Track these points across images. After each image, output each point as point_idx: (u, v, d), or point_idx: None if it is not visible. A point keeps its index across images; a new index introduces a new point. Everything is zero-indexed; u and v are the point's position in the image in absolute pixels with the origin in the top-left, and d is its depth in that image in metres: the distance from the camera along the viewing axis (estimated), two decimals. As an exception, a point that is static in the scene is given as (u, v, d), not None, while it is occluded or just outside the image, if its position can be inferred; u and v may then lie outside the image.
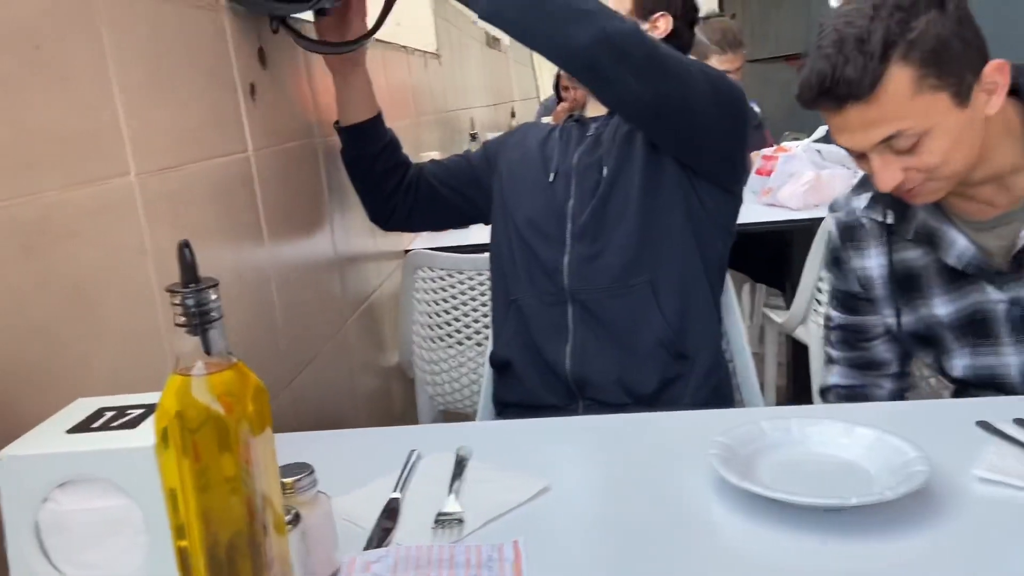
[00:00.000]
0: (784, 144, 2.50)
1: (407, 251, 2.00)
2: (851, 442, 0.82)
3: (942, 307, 1.12)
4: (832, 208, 1.24)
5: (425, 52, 2.68)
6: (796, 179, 2.30)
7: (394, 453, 0.92)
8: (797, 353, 2.64)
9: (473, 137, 3.24)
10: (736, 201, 1.38)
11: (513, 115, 5.31)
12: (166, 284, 0.54)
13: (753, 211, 2.37)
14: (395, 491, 0.83)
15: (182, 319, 0.53)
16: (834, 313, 1.27)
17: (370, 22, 1.40)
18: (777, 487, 0.74)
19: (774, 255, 2.73)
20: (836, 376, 1.29)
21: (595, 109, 1.41)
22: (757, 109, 3.30)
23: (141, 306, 0.88)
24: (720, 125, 1.26)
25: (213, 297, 0.54)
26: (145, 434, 0.58)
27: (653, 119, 1.24)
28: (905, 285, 1.15)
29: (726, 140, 1.29)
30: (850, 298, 1.23)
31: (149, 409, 0.62)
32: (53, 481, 0.58)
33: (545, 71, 6.88)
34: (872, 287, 1.19)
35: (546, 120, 2.73)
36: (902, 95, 0.93)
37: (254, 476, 0.56)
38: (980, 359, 1.12)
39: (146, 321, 0.88)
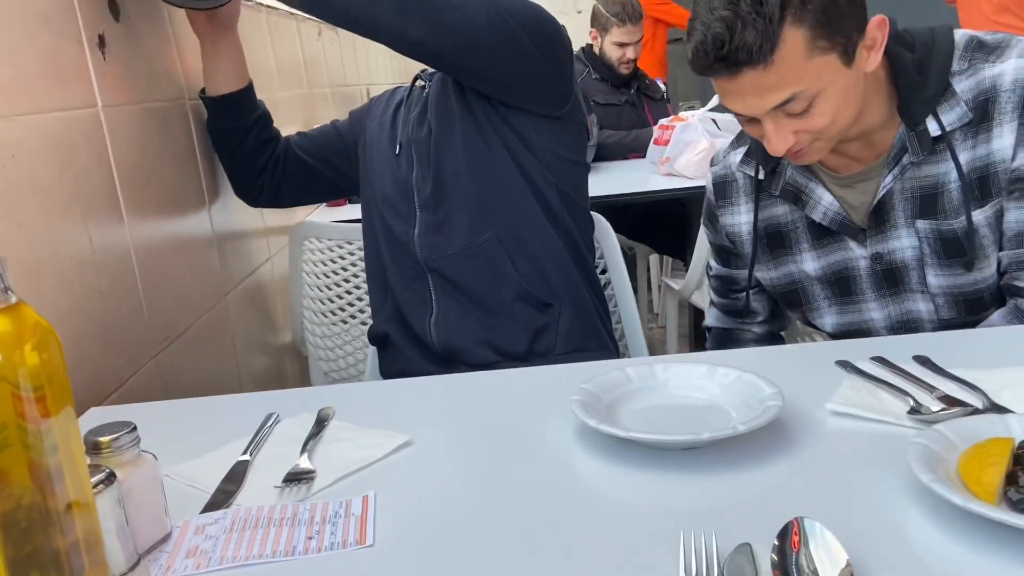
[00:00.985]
0: (680, 114, 2.52)
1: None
2: (712, 383, 0.81)
3: (810, 263, 1.14)
4: (712, 162, 1.24)
5: (319, 21, 2.59)
6: (692, 148, 2.32)
7: (254, 418, 0.88)
8: (698, 322, 2.69)
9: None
10: (573, 127, 1.32)
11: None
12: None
13: (652, 180, 2.39)
14: (244, 454, 0.79)
15: (-53, 254, 0.48)
16: (712, 262, 1.30)
17: None
18: (636, 430, 0.73)
19: (675, 226, 2.77)
20: (712, 319, 1.33)
21: None
22: (662, 86, 3.34)
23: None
24: (511, 52, 1.19)
25: (-17, 229, 0.48)
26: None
27: (439, 61, 1.20)
28: (774, 241, 1.17)
29: (525, 64, 1.21)
30: (722, 251, 1.26)
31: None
32: None
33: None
34: (740, 243, 1.20)
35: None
36: (797, 58, 0.92)
37: (42, 436, 0.51)
38: (847, 315, 1.14)
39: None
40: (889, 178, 1.03)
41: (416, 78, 1.38)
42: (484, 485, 0.72)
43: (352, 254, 1.79)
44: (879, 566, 0.54)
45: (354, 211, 2.30)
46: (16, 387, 0.48)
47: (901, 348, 0.88)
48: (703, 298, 2.26)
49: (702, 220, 1.27)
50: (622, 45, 3.00)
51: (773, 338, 1.30)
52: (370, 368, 1.48)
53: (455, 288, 1.27)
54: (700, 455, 0.71)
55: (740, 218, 1.19)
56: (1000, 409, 0.72)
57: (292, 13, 2.25)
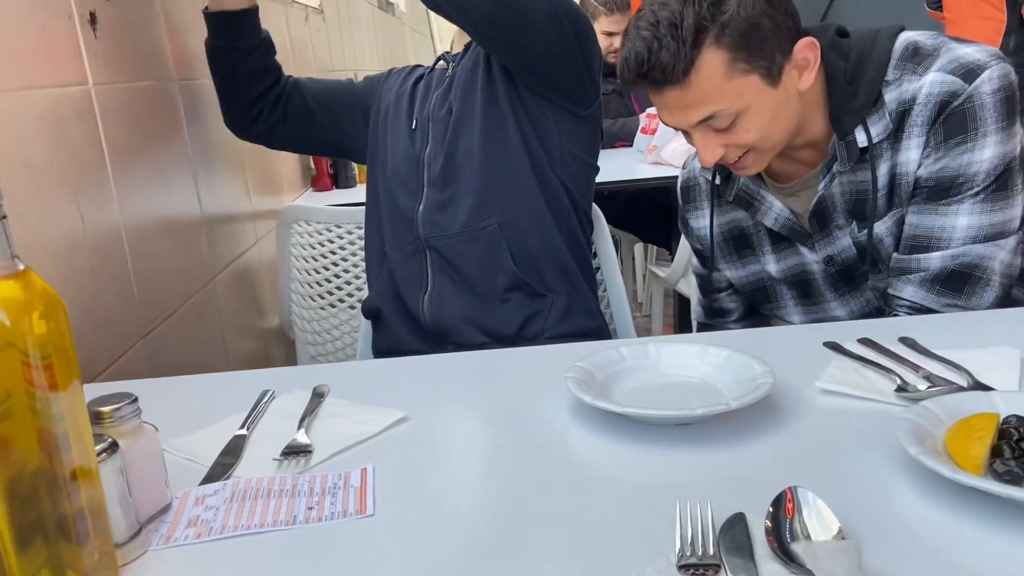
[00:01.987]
0: (667, 103, 2.53)
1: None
2: (703, 362, 0.83)
3: (772, 265, 1.17)
4: (683, 166, 1.27)
5: (307, 6, 2.58)
6: (679, 137, 2.33)
7: (249, 395, 0.88)
8: (683, 310, 2.71)
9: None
10: (592, 129, 1.35)
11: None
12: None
13: (639, 169, 2.40)
14: (241, 428, 0.79)
15: (-48, 218, 0.48)
16: (694, 261, 1.33)
17: None
18: (629, 405, 0.74)
19: (661, 215, 2.79)
20: (696, 314, 1.37)
21: (460, 45, 1.37)
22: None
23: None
24: (559, 44, 1.22)
25: (-10, 193, 0.48)
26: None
27: (496, 35, 1.19)
28: (740, 243, 1.20)
29: (567, 61, 1.24)
30: (697, 252, 1.30)
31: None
32: None
33: (445, 41, 6.79)
34: (707, 245, 1.23)
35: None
36: (715, 79, 0.95)
37: (50, 403, 0.51)
38: (812, 314, 1.18)
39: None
40: (822, 185, 1.06)
41: (439, 58, 1.39)
42: (480, 459, 0.73)
43: (341, 238, 1.79)
44: (869, 533, 0.55)
45: (342, 195, 2.30)
46: (25, 354, 0.48)
47: (887, 330, 0.90)
48: (689, 286, 2.28)
49: (679, 223, 1.30)
50: (610, 34, 3.00)
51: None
52: (362, 343, 1.49)
53: (451, 267, 1.28)
54: (693, 431, 0.73)
55: (703, 221, 1.22)
56: (984, 387, 0.74)
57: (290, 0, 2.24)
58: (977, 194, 0.99)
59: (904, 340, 0.87)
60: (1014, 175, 0.99)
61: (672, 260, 2.70)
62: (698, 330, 1.36)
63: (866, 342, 0.87)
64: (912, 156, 1.00)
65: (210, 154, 1.55)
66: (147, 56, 1.32)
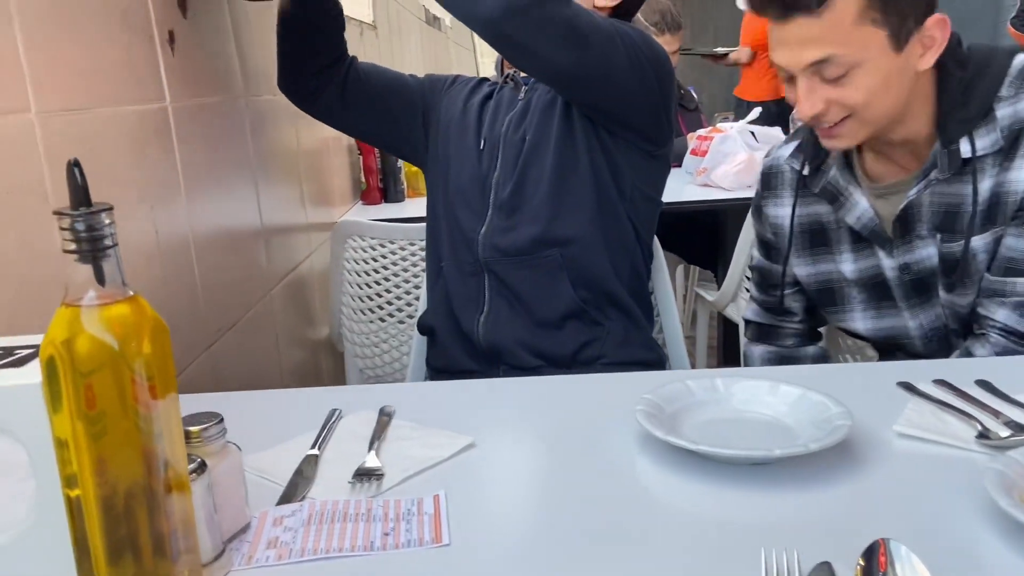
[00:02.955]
0: (719, 125, 2.52)
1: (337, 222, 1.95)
2: (776, 400, 0.82)
3: (848, 264, 1.16)
4: (766, 155, 1.26)
5: (361, 22, 2.62)
6: (730, 160, 2.32)
7: (316, 413, 0.89)
8: (728, 334, 2.68)
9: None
10: (662, 167, 1.35)
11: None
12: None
13: (687, 191, 2.39)
14: (313, 448, 0.80)
15: (72, 245, 0.49)
16: (755, 253, 1.31)
17: None
18: (702, 442, 0.74)
19: (707, 237, 2.77)
20: (751, 313, 1.34)
21: None
22: (695, 94, 3.34)
23: (42, 252, 0.82)
24: (641, 91, 1.22)
25: (107, 222, 0.50)
26: (32, 372, 0.53)
27: (573, 87, 1.20)
28: (816, 238, 1.18)
29: (648, 106, 1.25)
30: (764, 243, 1.27)
31: (38, 349, 0.58)
32: (-73, 422, 0.53)
33: (487, 55, 6.84)
34: (781, 235, 1.21)
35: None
36: (846, 20, 0.95)
37: (152, 421, 0.53)
38: (883, 320, 1.16)
39: (47, 268, 0.83)
40: (914, 190, 1.05)
41: (508, 77, 1.37)
42: (551, 491, 0.73)
43: (394, 253, 1.80)
44: (960, 589, 0.54)
45: (390, 209, 2.33)
46: (132, 373, 0.50)
47: (962, 372, 0.88)
48: (737, 311, 2.26)
49: (751, 210, 1.29)
50: (660, 55, 3.00)
51: (812, 336, 1.31)
52: (415, 359, 1.49)
53: (510, 291, 1.28)
54: (767, 471, 0.72)
55: (782, 210, 1.21)
56: (1068, 437, 0.72)
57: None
58: None
59: (981, 383, 0.85)
60: None
61: (717, 283, 2.68)
62: (751, 330, 1.33)
63: (941, 383, 0.86)
64: (1022, 175, 0.99)
65: (270, 166, 1.58)
66: (218, 73, 1.35)
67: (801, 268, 1.21)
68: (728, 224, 2.39)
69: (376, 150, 2.35)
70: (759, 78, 5.91)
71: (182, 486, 0.55)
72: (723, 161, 2.34)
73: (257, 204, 1.50)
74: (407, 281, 1.81)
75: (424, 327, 1.39)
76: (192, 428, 0.62)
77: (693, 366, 1.58)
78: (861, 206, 1.10)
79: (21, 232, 0.80)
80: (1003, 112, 1.00)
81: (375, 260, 1.83)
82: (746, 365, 1.36)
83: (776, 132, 2.51)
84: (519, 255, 1.26)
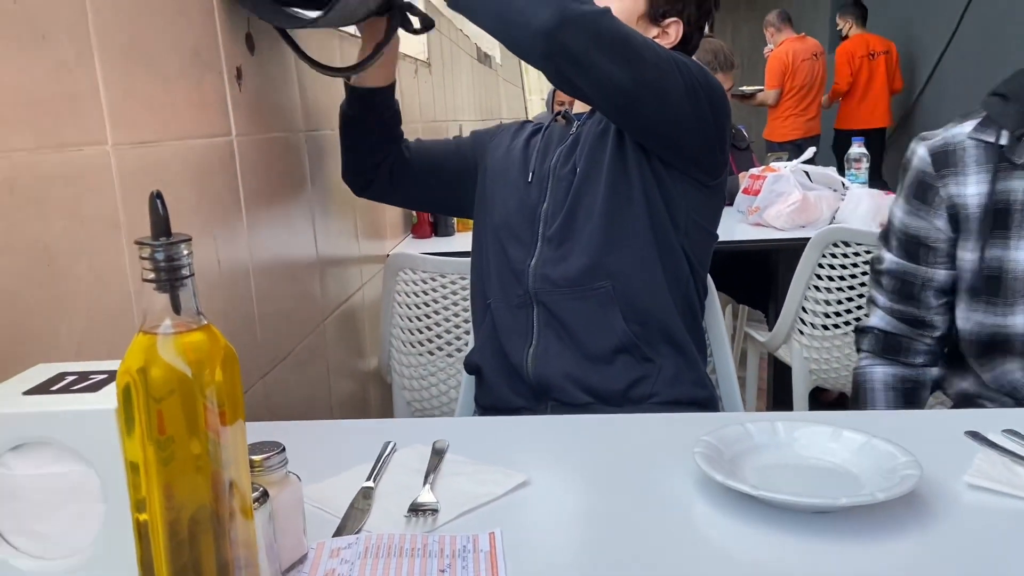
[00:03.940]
0: (772, 164, 2.51)
1: (389, 255, 1.97)
2: (839, 446, 0.80)
3: None
4: (921, 138, 1.17)
5: (416, 59, 2.67)
6: (783, 199, 2.30)
7: (369, 445, 0.89)
8: (778, 375, 2.63)
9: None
10: (717, 199, 1.34)
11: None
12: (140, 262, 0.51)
13: (739, 230, 2.37)
14: (368, 480, 0.80)
15: (151, 275, 0.51)
16: (888, 255, 1.21)
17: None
18: (763, 487, 0.72)
19: (757, 276, 2.73)
20: (877, 319, 1.23)
21: (581, 106, 1.37)
22: (745, 132, 3.32)
23: (113, 280, 0.85)
24: (695, 117, 1.20)
25: (185, 252, 0.51)
26: (107, 397, 0.55)
27: (631, 108, 1.17)
28: (998, 220, 1.07)
29: (701, 134, 1.23)
30: (912, 241, 1.17)
31: (113, 375, 0.59)
32: (5, 444, 0.54)
33: (534, 92, 6.92)
34: (961, 217, 1.11)
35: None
36: None
37: (221, 448, 0.54)
38: None
39: (117, 295, 0.85)
40: None
41: (558, 114, 1.40)
42: (607, 533, 0.72)
43: (445, 287, 1.82)
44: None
45: (440, 243, 2.35)
46: (205, 400, 0.51)
47: (1034, 422, 0.85)
48: (789, 353, 2.22)
49: (902, 197, 1.17)
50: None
51: (943, 356, 1.21)
52: (464, 395, 1.49)
53: (559, 324, 1.27)
54: (830, 520, 0.70)
55: (967, 188, 1.09)
56: None
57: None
58: None
59: (1054, 435, 0.82)
60: None
61: (768, 324, 2.64)
62: (873, 340, 1.22)
63: (1011, 433, 0.83)
64: None
65: (327, 199, 1.61)
66: (282, 109, 1.38)
67: (969, 252, 1.10)
68: (780, 264, 2.36)
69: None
70: (784, 119, 5.89)
71: (247, 513, 0.56)
72: (776, 200, 2.32)
73: (313, 236, 1.52)
74: (457, 315, 1.82)
75: (471, 366, 1.39)
76: (255, 457, 0.63)
77: (743, 408, 1.55)
78: None
79: (92, 259, 0.82)
80: None
81: (426, 293, 1.84)
82: (861, 389, 1.24)
83: (831, 172, 2.48)
84: (570, 286, 1.26)
